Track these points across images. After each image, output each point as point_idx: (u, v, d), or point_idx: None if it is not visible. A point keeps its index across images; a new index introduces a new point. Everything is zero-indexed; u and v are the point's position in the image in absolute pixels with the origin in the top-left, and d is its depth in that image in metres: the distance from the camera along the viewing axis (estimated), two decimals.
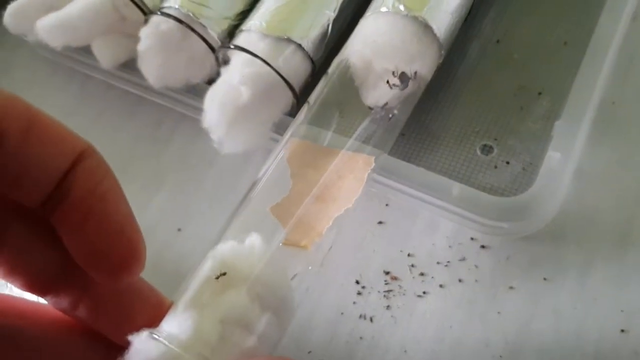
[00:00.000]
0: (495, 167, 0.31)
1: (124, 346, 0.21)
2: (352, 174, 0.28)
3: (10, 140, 0.18)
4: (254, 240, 0.24)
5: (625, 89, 0.33)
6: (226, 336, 0.21)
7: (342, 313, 0.29)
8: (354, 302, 0.30)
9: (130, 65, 0.34)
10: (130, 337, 0.21)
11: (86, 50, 0.35)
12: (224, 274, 0.22)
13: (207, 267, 0.23)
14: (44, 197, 0.19)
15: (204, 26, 0.32)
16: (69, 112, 0.37)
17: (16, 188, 0.19)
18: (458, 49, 0.34)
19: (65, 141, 0.20)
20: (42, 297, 0.22)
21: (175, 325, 0.22)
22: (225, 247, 0.24)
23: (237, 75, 0.30)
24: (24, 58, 0.40)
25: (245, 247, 0.24)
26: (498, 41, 0.35)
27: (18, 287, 0.21)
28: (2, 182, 0.19)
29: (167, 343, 0.21)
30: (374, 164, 0.27)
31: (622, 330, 0.27)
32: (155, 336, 0.21)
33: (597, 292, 0.28)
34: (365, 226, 0.31)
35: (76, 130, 0.38)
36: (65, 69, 0.38)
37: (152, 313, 0.22)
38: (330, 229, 0.26)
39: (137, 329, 0.21)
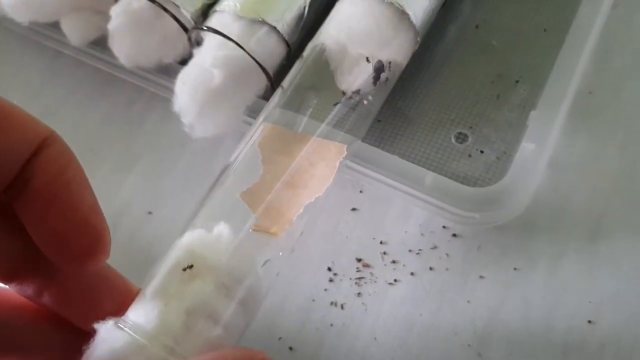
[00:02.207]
0: (470, 155, 0.31)
1: (91, 333, 0.21)
2: (323, 161, 0.27)
3: None
4: (221, 229, 0.24)
5: (603, 79, 0.33)
6: (192, 326, 0.21)
7: (313, 300, 0.29)
8: (326, 289, 0.29)
9: (101, 42, 0.33)
10: (96, 326, 0.21)
11: (56, 25, 0.34)
12: (191, 266, 0.22)
13: (174, 257, 0.23)
14: (5, 184, 0.19)
15: (176, 5, 0.31)
16: (37, 90, 0.37)
17: None
18: (436, 33, 0.34)
19: (26, 128, 0.19)
20: (5, 284, 0.21)
21: (141, 314, 0.21)
22: (193, 236, 0.24)
23: (210, 57, 0.29)
24: None
25: (213, 236, 0.24)
26: (477, 26, 0.35)
27: None
28: None
29: (132, 333, 0.21)
30: (345, 153, 0.27)
31: (590, 322, 0.28)
32: (121, 326, 0.21)
33: (566, 283, 0.29)
34: (339, 213, 0.31)
35: (45, 110, 0.37)
36: (34, 44, 0.37)
37: (119, 300, 0.22)
38: (301, 216, 0.26)
39: (103, 316, 0.21)
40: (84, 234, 0.20)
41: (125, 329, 0.21)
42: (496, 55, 0.34)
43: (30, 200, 0.19)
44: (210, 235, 0.24)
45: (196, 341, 0.21)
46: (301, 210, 0.26)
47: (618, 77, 0.33)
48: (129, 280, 0.23)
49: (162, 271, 0.23)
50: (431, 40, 0.34)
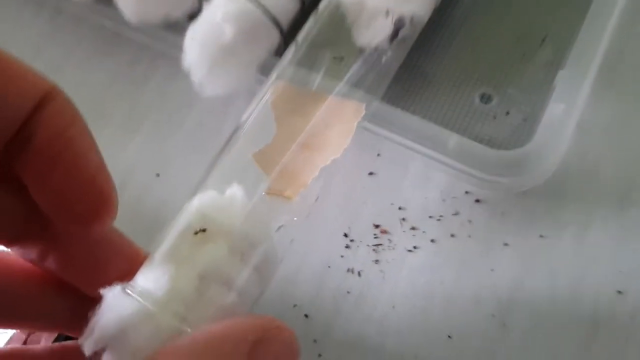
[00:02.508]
0: (494, 117, 0.29)
1: (97, 298, 0.20)
2: (340, 122, 0.26)
3: None
4: (235, 191, 0.22)
5: (635, 36, 0.31)
6: (204, 292, 0.20)
7: (329, 266, 0.28)
8: (342, 256, 0.28)
9: None
10: (102, 291, 0.20)
11: None
12: (204, 230, 0.21)
13: (185, 220, 0.21)
14: (5, 141, 0.18)
15: None
16: (36, 49, 0.35)
17: None
18: None
19: (27, 81, 0.18)
20: (8, 247, 0.20)
21: (150, 280, 0.20)
22: (205, 198, 0.22)
23: (220, 12, 0.27)
24: None
25: (226, 198, 0.22)
26: None
27: None
28: None
29: (141, 300, 0.19)
30: (364, 112, 0.26)
31: (619, 292, 0.26)
32: (129, 292, 0.20)
33: (595, 251, 0.27)
34: (355, 177, 0.30)
35: (45, 69, 0.36)
36: (33, 1, 0.35)
37: (126, 265, 0.21)
38: (317, 180, 0.25)
39: (110, 281, 0.20)
40: (90, 194, 0.19)
41: (133, 295, 0.20)
42: (522, 11, 0.32)
43: (32, 158, 0.18)
44: (222, 198, 0.22)
45: (209, 308, 0.20)
46: (316, 174, 0.25)
47: None
48: (137, 244, 0.22)
49: (172, 234, 0.21)
50: None
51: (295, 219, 0.25)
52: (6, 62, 0.17)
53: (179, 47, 0.29)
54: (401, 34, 0.27)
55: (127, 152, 0.31)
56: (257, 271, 0.22)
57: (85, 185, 0.18)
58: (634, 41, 0.31)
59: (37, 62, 0.34)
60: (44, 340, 0.26)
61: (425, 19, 0.28)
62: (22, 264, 0.21)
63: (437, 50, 0.31)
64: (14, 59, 0.18)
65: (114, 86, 0.33)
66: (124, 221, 0.30)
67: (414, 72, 0.31)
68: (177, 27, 0.31)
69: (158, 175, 0.31)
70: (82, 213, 0.19)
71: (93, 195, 0.19)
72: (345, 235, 0.29)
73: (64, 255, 0.21)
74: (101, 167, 0.19)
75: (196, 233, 0.21)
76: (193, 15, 0.30)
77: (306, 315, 0.27)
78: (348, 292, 0.27)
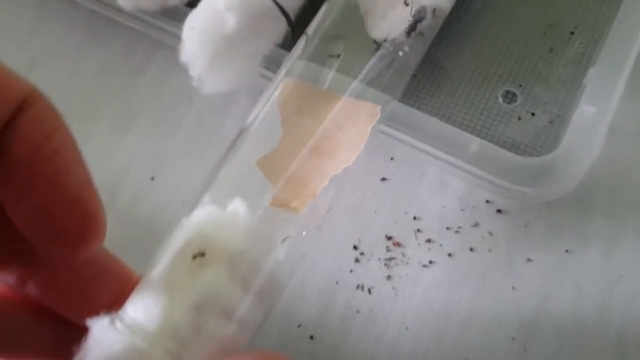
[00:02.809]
0: (519, 118, 0.27)
1: (83, 327, 0.18)
2: (353, 125, 0.24)
3: None
4: (237, 207, 0.20)
5: None
6: (201, 325, 0.18)
7: (337, 282, 0.26)
8: (351, 270, 0.26)
9: None
10: (89, 322, 0.18)
11: None
12: (202, 254, 0.19)
13: (182, 241, 0.19)
14: None
15: None
16: (25, 36, 0.33)
17: None
18: None
19: (3, 84, 0.16)
20: None
21: (141, 310, 0.18)
22: (204, 214, 0.20)
23: None
24: None
25: (227, 214, 0.20)
26: None
27: None
28: None
29: (131, 335, 0.18)
30: (379, 115, 0.23)
31: None
32: (118, 325, 0.18)
33: (624, 268, 0.25)
34: (367, 182, 0.28)
35: (34, 59, 0.33)
36: None
37: (115, 290, 0.20)
38: (326, 189, 0.23)
39: (98, 308, 0.18)
40: (74, 216, 0.17)
41: (123, 329, 0.18)
42: (549, 1, 0.30)
43: (9, 174, 0.16)
44: (224, 214, 0.20)
45: (206, 343, 0.18)
46: (326, 183, 0.23)
47: None
48: (128, 266, 0.20)
49: (167, 257, 0.19)
50: None
51: (304, 233, 0.23)
52: None
53: (177, 36, 0.27)
54: (420, 26, 0.25)
55: (120, 153, 0.29)
56: (260, 296, 0.20)
57: (69, 204, 0.17)
58: None
59: (25, 50, 0.32)
60: None
61: (448, 9, 0.26)
62: (2, 290, 0.19)
63: (456, 43, 0.29)
64: None
65: (106, 79, 0.31)
66: (116, 230, 0.27)
67: (431, 67, 0.28)
68: (176, 13, 0.29)
69: (153, 178, 0.28)
70: (65, 236, 0.17)
71: (78, 216, 0.17)
72: (355, 247, 0.27)
73: (46, 280, 0.19)
74: (87, 182, 0.17)
75: (194, 257, 0.19)
76: (192, 2, 0.28)
77: (311, 337, 0.25)
78: (357, 311, 0.25)
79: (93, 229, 0.17)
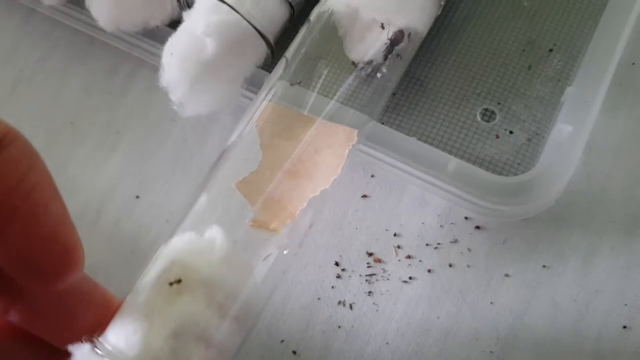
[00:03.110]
0: (497, 136, 0.27)
1: (64, 354, 0.19)
2: (330, 148, 0.24)
3: None
4: (214, 233, 0.21)
5: None
6: (179, 350, 0.19)
7: (319, 298, 0.26)
8: (333, 287, 0.27)
9: (78, 0, 0.29)
10: (71, 349, 0.19)
11: None
12: (179, 281, 0.19)
13: (160, 268, 0.20)
14: None
15: None
16: (8, 53, 0.33)
17: None
18: None
19: None
20: None
21: (122, 337, 0.19)
22: (182, 242, 0.21)
23: (202, 24, 0.25)
24: None
25: (204, 241, 0.21)
26: None
27: None
28: None
29: None
30: (356, 139, 0.24)
31: (625, 327, 0.25)
32: (99, 351, 0.18)
33: (600, 283, 0.26)
34: (348, 199, 0.28)
35: (18, 76, 0.34)
36: (3, 1, 0.33)
37: (97, 315, 0.20)
38: (305, 211, 0.23)
39: (80, 334, 0.19)
40: (52, 251, 0.17)
41: (103, 356, 0.18)
42: (528, 19, 0.30)
43: None
44: (201, 241, 0.21)
45: None
46: (305, 204, 0.23)
47: None
48: (108, 291, 0.21)
49: (146, 284, 0.20)
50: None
51: (285, 252, 0.23)
52: None
53: (160, 56, 0.27)
54: (397, 49, 0.25)
55: (105, 172, 0.29)
56: (236, 321, 0.20)
57: (47, 240, 0.17)
58: None
59: (9, 68, 0.33)
60: None
61: (424, 33, 0.26)
62: None
63: (436, 61, 0.29)
64: None
65: (91, 97, 0.31)
66: (101, 248, 0.28)
67: (410, 85, 0.29)
68: (157, 34, 0.29)
69: (138, 197, 0.29)
70: (44, 271, 0.17)
71: (55, 251, 0.17)
72: (337, 263, 0.27)
73: (27, 308, 0.19)
74: (63, 218, 0.17)
75: (171, 284, 0.19)
76: (174, 23, 0.28)
77: (294, 352, 0.26)
78: (339, 327, 0.26)
79: (70, 262, 0.17)
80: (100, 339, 0.19)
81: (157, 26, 0.29)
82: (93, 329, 0.19)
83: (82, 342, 0.19)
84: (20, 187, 0.16)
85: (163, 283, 0.19)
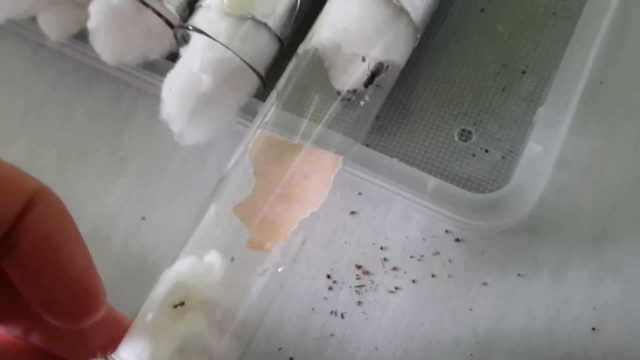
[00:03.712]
0: (474, 155, 0.29)
1: None
2: (318, 174, 0.26)
3: None
4: (213, 258, 0.23)
5: (615, 66, 0.31)
6: None
7: (312, 309, 0.29)
8: (325, 298, 0.29)
9: (82, 36, 0.31)
10: None
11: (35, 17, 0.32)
12: (182, 303, 0.21)
13: (164, 291, 0.22)
14: None
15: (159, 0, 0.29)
16: (17, 85, 0.35)
17: None
18: (437, 18, 0.32)
19: (11, 186, 0.18)
20: None
21: (132, 354, 0.21)
22: (184, 266, 0.23)
23: (197, 61, 0.27)
24: None
25: (204, 265, 0.23)
26: (482, 10, 0.32)
27: None
28: None
29: None
30: (341, 165, 0.26)
31: (594, 329, 0.27)
32: None
33: (570, 290, 0.28)
34: (338, 216, 0.30)
35: (28, 106, 0.36)
36: (14, 36, 0.35)
37: (110, 334, 0.22)
38: (296, 232, 0.25)
39: (94, 352, 0.21)
40: (78, 296, 0.19)
41: None
42: (502, 43, 0.32)
43: (19, 263, 0.18)
44: (201, 265, 0.23)
45: None
46: (296, 226, 0.25)
47: (631, 64, 0.31)
48: (119, 312, 0.23)
49: (152, 306, 0.22)
50: (432, 25, 0.32)
51: (280, 269, 0.25)
52: None
53: (159, 86, 0.29)
54: (377, 80, 0.28)
55: (112, 195, 0.31)
56: (235, 337, 0.23)
57: (73, 286, 0.19)
58: (614, 71, 0.31)
59: (18, 99, 0.35)
60: None
61: (402, 65, 0.28)
62: (8, 339, 0.21)
63: (416, 84, 0.31)
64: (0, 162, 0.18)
65: (96, 126, 0.33)
66: (110, 267, 0.30)
67: (393, 107, 0.31)
68: (157, 66, 0.31)
69: (144, 218, 0.31)
70: (70, 313, 0.19)
71: (80, 296, 0.19)
72: (328, 276, 0.29)
73: (46, 331, 0.21)
74: (88, 267, 0.19)
75: (175, 306, 0.22)
76: (172, 55, 0.30)
77: (291, 358, 0.28)
78: (332, 335, 0.28)
79: (94, 306, 0.19)
80: (113, 355, 0.21)
81: (156, 59, 0.31)
82: (106, 347, 0.21)
83: (97, 358, 0.21)
84: (50, 240, 0.18)
85: (168, 305, 0.22)
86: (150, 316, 0.22)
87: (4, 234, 0.18)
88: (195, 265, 0.23)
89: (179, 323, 0.21)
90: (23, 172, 0.18)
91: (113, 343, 0.22)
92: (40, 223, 0.18)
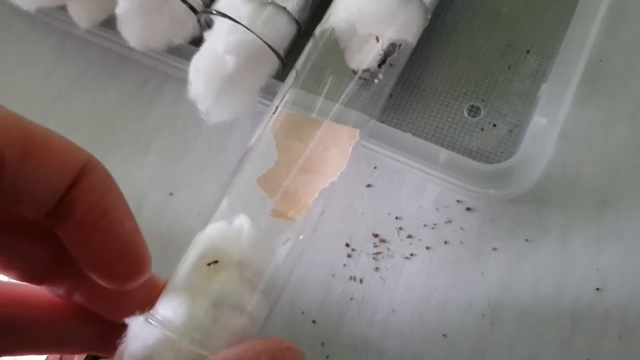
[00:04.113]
0: (482, 129, 0.31)
1: (121, 325, 0.22)
2: (336, 146, 0.28)
3: (7, 164, 0.18)
4: (242, 222, 0.25)
5: (614, 46, 0.33)
6: (218, 318, 0.22)
7: (333, 275, 0.31)
8: (345, 265, 0.31)
9: (109, 23, 0.33)
10: (127, 320, 0.22)
11: (63, 6, 0.34)
12: (216, 262, 0.23)
13: (198, 252, 0.24)
14: (45, 212, 0.20)
15: None
16: (48, 71, 0.37)
17: (16, 206, 0.19)
18: (445, 3, 0.33)
19: (65, 157, 0.19)
20: (38, 285, 0.22)
21: (169, 310, 0.22)
22: (215, 230, 0.25)
23: (222, 43, 0.29)
24: None
25: (234, 229, 0.25)
26: None
27: (14, 279, 0.22)
28: (3, 202, 0.19)
29: (162, 329, 0.21)
30: (358, 138, 0.28)
31: (597, 289, 0.29)
32: (151, 322, 0.22)
33: (575, 253, 0.30)
34: (355, 189, 0.32)
35: (56, 93, 0.38)
36: (42, 25, 0.37)
37: (147, 294, 0.23)
38: (317, 200, 0.27)
39: (132, 310, 0.22)
40: (125, 259, 0.20)
41: (155, 324, 0.22)
42: (506, 24, 0.33)
43: (72, 228, 0.20)
44: (231, 229, 0.25)
45: (223, 333, 0.22)
46: (316, 195, 0.27)
47: (629, 43, 0.33)
48: (155, 275, 0.24)
49: (187, 266, 0.24)
50: (441, 9, 0.33)
51: (301, 237, 0.27)
52: (46, 141, 0.19)
53: (183, 70, 0.31)
54: (390, 59, 0.29)
55: (141, 173, 0.33)
56: (265, 294, 0.24)
57: (121, 250, 0.20)
58: (613, 50, 0.33)
59: (48, 86, 0.37)
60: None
61: (414, 44, 0.30)
62: (53, 298, 0.23)
63: (427, 65, 0.33)
64: (53, 135, 0.19)
65: (124, 108, 0.35)
66: None
67: (405, 87, 0.33)
68: (181, 51, 0.33)
69: (172, 194, 0.33)
70: (118, 275, 0.20)
71: (128, 259, 0.20)
72: (347, 245, 0.31)
73: (89, 291, 0.22)
74: (134, 232, 0.21)
75: (209, 265, 0.23)
76: (195, 40, 0.32)
77: (314, 321, 0.30)
78: (351, 299, 0.30)
79: (140, 268, 0.21)
80: (151, 312, 0.23)
81: (180, 44, 0.32)
82: (144, 306, 0.22)
83: (136, 315, 0.22)
84: (100, 207, 0.20)
85: (202, 264, 0.23)
86: (185, 275, 0.23)
87: (58, 201, 0.19)
88: (226, 229, 0.24)
89: (212, 280, 0.23)
90: (75, 144, 0.20)
91: (150, 302, 0.23)
92: (91, 191, 0.19)
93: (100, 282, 0.20)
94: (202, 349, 0.21)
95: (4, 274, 0.22)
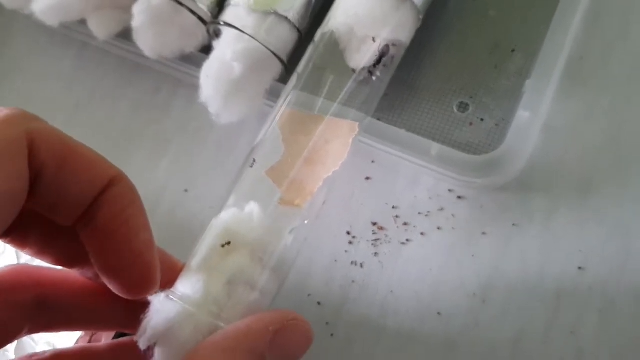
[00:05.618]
0: (471, 124, 0.34)
1: (145, 303, 0.24)
2: (338, 139, 0.31)
3: (48, 172, 0.20)
4: (252, 207, 0.27)
5: (593, 44, 0.35)
6: (232, 294, 0.25)
7: (335, 260, 0.33)
8: (346, 251, 0.33)
9: (124, 34, 0.36)
10: (150, 298, 0.24)
11: (81, 20, 0.37)
12: (229, 243, 0.26)
13: (213, 235, 0.26)
14: (75, 218, 0.22)
15: (193, 0, 0.34)
16: (68, 80, 0.39)
17: (51, 212, 0.21)
18: (436, 7, 0.36)
19: (96, 170, 0.21)
20: (69, 268, 0.25)
21: (188, 286, 0.25)
22: (228, 215, 0.27)
23: (229, 51, 0.32)
24: (21, 25, 0.42)
25: (246, 214, 0.27)
26: None
27: (48, 263, 0.24)
28: (40, 207, 0.21)
29: (182, 303, 0.24)
30: (357, 130, 0.30)
31: (580, 268, 0.31)
32: (172, 297, 0.24)
33: (559, 235, 0.32)
34: (354, 182, 0.35)
35: (78, 102, 0.40)
36: (62, 37, 0.40)
37: (167, 275, 0.25)
38: (321, 189, 0.30)
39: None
40: (137, 268, 0.22)
41: (176, 300, 0.24)
42: (493, 26, 0.36)
43: (94, 233, 0.22)
44: (243, 214, 0.27)
45: (237, 306, 0.24)
46: (321, 184, 0.30)
47: (607, 41, 0.35)
48: (173, 257, 0.27)
49: (203, 248, 0.26)
50: (432, 13, 0.36)
51: (306, 222, 0.29)
52: (80, 154, 0.21)
53: (194, 77, 0.33)
54: (384, 59, 0.32)
55: (158, 173, 0.36)
56: (274, 272, 0.26)
57: (133, 259, 0.22)
58: (592, 48, 0.35)
59: (68, 95, 0.40)
60: (105, 338, 0.31)
61: (407, 44, 0.33)
62: (84, 280, 0.25)
63: (420, 65, 0.36)
64: (86, 149, 0.21)
65: (140, 113, 0.38)
66: (159, 233, 0.34)
67: (399, 86, 0.35)
68: (192, 59, 0.35)
69: (187, 191, 0.36)
70: (127, 283, 0.22)
71: (139, 268, 0.22)
72: (348, 233, 0.34)
73: None
74: (148, 244, 0.22)
75: (223, 246, 0.26)
76: (205, 49, 0.35)
77: (319, 303, 0.32)
78: (353, 282, 0.32)
79: (149, 280, 0.22)
80: (172, 290, 0.25)
81: (191, 52, 0.35)
82: (164, 286, 0.24)
83: (158, 293, 0.24)
84: (121, 216, 0.22)
85: (217, 245, 0.26)
86: (202, 256, 0.26)
87: (86, 208, 0.22)
88: (238, 214, 0.27)
89: (227, 260, 0.25)
90: (107, 160, 0.22)
91: (170, 282, 0.25)
92: (115, 201, 0.21)
93: (111, 287, 0.22)
94: (218, 321, 0.24)
95: (40, 259, 0.24)
